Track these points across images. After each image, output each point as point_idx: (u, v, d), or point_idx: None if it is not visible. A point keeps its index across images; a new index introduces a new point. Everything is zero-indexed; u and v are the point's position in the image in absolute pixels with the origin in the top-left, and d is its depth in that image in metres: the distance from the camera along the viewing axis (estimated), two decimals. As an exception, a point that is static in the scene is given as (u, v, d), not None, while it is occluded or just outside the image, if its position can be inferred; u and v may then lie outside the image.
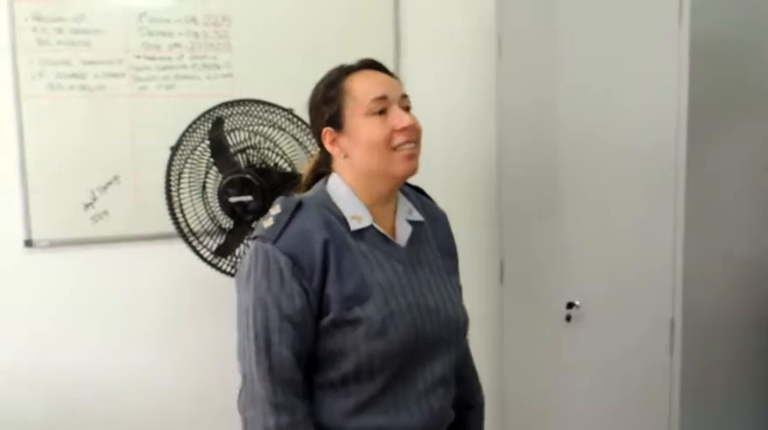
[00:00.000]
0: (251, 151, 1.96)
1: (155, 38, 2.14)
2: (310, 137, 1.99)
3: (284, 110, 1.98)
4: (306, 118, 1.35)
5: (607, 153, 1.89)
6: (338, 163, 1.31)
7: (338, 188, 1.29)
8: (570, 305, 1.97)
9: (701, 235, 1.75)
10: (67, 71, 2.08)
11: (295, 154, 1.99)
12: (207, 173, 1.97)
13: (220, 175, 1.95)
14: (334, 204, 1.27)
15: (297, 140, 1.98)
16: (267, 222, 1.23)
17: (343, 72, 1.32)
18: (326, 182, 1.31)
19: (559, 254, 2.07)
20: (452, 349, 1.33)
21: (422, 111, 2.38)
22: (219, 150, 1.95)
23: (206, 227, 1.99)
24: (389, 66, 2.39)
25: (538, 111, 2.14)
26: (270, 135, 1.99)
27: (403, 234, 1.32)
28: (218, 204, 1.96)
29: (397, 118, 1.26)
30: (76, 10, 2.08)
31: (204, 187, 1.98)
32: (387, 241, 1.29)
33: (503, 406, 2.42)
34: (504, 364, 2.38)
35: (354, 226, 1.27)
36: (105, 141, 2.11)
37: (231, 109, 1.97)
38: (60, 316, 2.09)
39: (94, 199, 2.11)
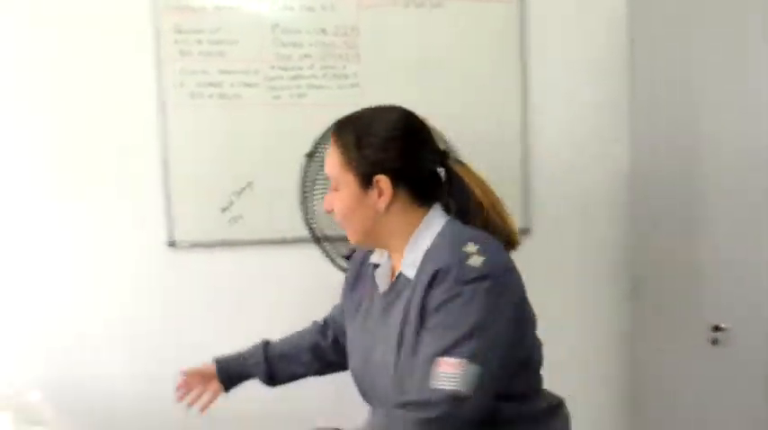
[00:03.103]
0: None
1: (287, 48, 2.23)
2: (444, 142, 2.02)
3: (417, 119, 2.02)
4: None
5: (752, 164, 1.81)
6: None
7: None
8: (717, 328, 1.88)
9: None
10: (206, 80, 2.19)
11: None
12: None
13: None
14: None
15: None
16: None
17: None
18: None
19: (702, 272, 1.99)
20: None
21: (550, 122, 2.41)
22: (354, 158, 2.02)
23: (339, 232, 2.06)
24: (516, 67, 2.34)
25: (674, 121, 2.09)
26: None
27: (382, 282, 1.42)
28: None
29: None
30: (213, 23, 2.18)
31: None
32: (373, 284, 1.46)
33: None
34: (637, 384, 2.38)
35: (371, 259, 1.49)
36: (241, 148, 2.21)
37: (365, 118, 2.03)
38: (200, 312, 2.22)
39: (231, 203, 2.22)
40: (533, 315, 1.36)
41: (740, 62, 1.84)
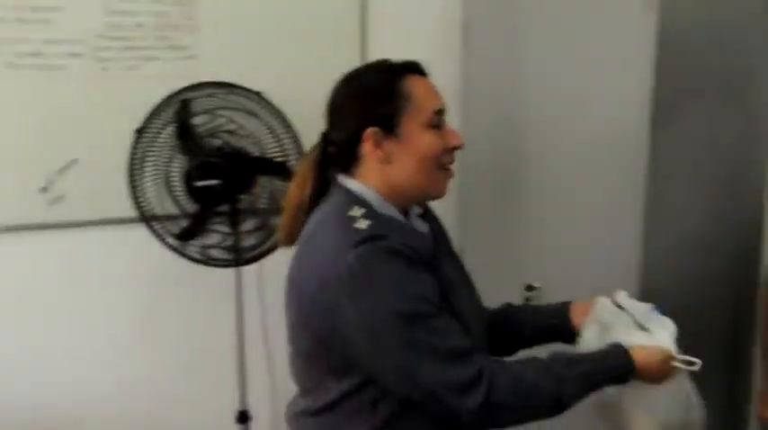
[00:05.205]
0: (222, 134, 1.94)
1: (118, 17, 2.07)
2: (280, 121, 1.97)
3: (253, 93, 1.95)
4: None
5: (571, 140, 1.92)
6: (368, 167, 1.21)
7: (368, 195, 1.21)
8: (530, 287, 2.01)
9: (662, 219, 1.79)
10: (27, 50, 1.99)
11: (263, 137, 1.96)
12: (172, 156, 1.93)
13: (186, 159, 1.92)
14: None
15: (265, 124, 1.95)
16: (362, 225, 1.15)
17: (397, 72, 1.23)
18: (344, 189, 1.22)
19: (520, 237, 2.09)
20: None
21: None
22: (186, 134, 1.92)
23: (169, 211, 1.95)
24: (357, 51, 2.33)
25: (502, 98, 2.15)
26: (236, 119, 1.96)
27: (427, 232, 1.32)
28: (183, 188, 1.93)
29: (453, 136, 1.24)
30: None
31: (169, 171, 1.94)
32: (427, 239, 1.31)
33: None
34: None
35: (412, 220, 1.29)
36: (64, 123, 2.03)
37: (198, 92, 1.93)
38: (13, 302, 2.03)
39: (51, 182, 2.03)
40: None
41: (563, 49, 1.93)
